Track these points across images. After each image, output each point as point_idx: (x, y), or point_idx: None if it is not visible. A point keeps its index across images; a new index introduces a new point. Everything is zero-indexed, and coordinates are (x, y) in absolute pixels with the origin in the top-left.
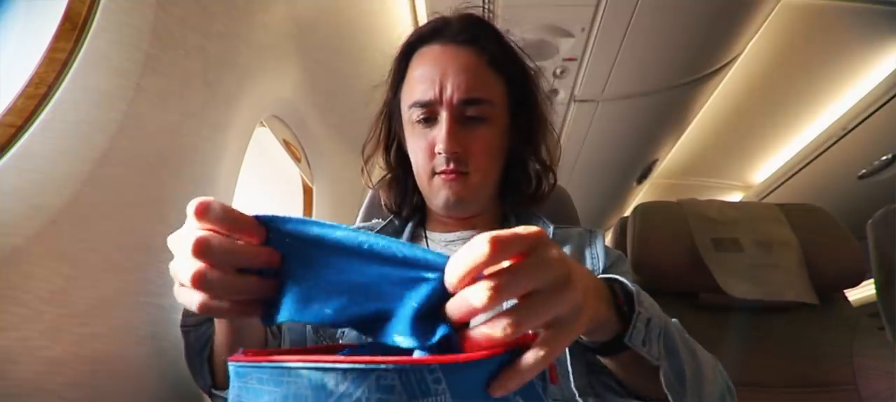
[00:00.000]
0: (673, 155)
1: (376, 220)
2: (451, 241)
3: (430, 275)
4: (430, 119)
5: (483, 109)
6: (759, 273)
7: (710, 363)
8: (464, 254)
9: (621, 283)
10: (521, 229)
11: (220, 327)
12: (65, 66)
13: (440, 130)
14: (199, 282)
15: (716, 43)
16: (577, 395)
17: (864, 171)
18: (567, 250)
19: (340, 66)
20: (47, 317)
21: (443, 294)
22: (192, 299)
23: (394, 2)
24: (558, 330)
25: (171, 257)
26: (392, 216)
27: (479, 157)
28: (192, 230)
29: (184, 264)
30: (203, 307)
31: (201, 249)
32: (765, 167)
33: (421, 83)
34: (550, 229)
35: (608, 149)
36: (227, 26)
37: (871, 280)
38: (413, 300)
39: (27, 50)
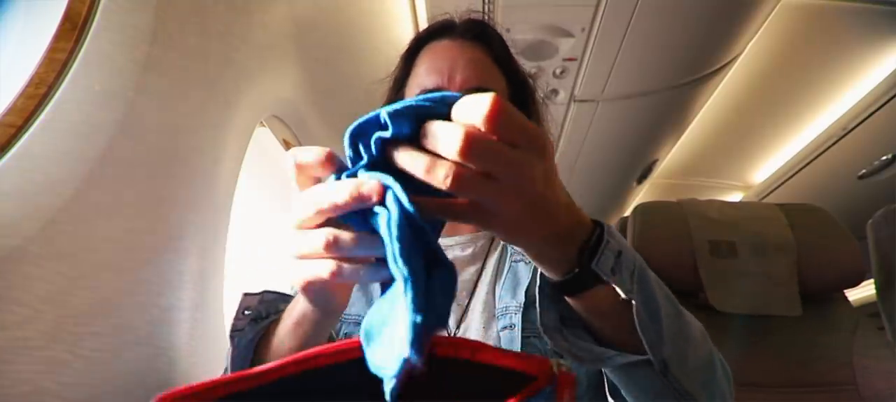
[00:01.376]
0: (673, 155)
1: None
2: (448, 246)
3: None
4: None
5: None
6: (749, 284)
7: (698, 326)
8: (467, 104)
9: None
10: (532, 127)
11: (283, 349)
12: (65, 66)
13: None
14: (331, 246)
15: (716, 43)
16: (542, 332)
17: (864, 171)
18: None
19: (340, 65)
20: (47, 317)
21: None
22: (322, 268)
23: (394, 2)
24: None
25: (169, 257)
26: None
27: None
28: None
29: (307, 236)
30: (337, 274)
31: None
32: (765, 167)
33: (429, 73)
34: None
35: (608, 149)
36: (227, 26)
37: (871, 280)
38: None
39: (27, 50)
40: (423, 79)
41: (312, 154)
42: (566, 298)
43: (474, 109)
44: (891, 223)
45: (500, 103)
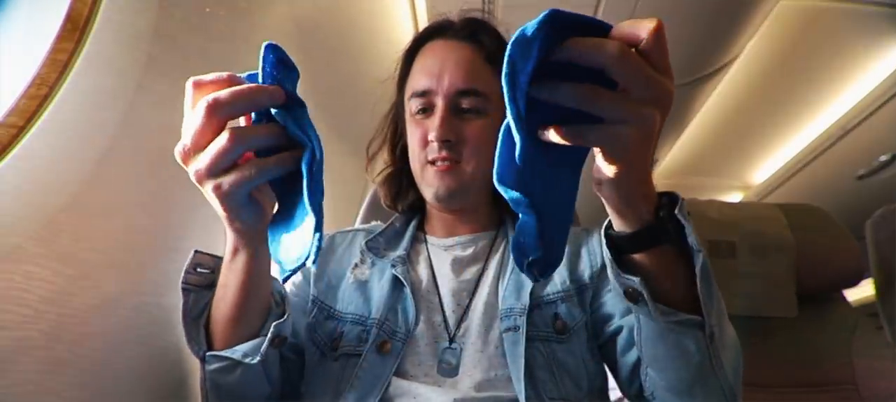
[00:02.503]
0: (673, 155)
1: (376, 223)
2: (449, 246)
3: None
4: (426, 109)
5: (478, 101)
6: (747, 286)
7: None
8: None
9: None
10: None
11: (228, 292)
12: (66, 66)
13: (434, 119)
14: (235, 139)
15: (715, 43)
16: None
17: (863, 171)
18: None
19: (341, 66)
20: (48, 317)
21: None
22: (228, 179)
23: (394, 2)
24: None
25: (170, 256)
26: (392, 220)
27: (471, 147)
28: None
29: (199, 131)
30: (239, 180)
31: (213, 108)
32: (765, 167)
33: (420, 74)
34: None
35: None
36: (228, 27)
37: (870, 280)
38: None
39: (29, 51)
40: (416, 81)
41: (212, 75)
42: (632, 255)
43: (640, 26)
44: (890, 223)
45: (661, 28)
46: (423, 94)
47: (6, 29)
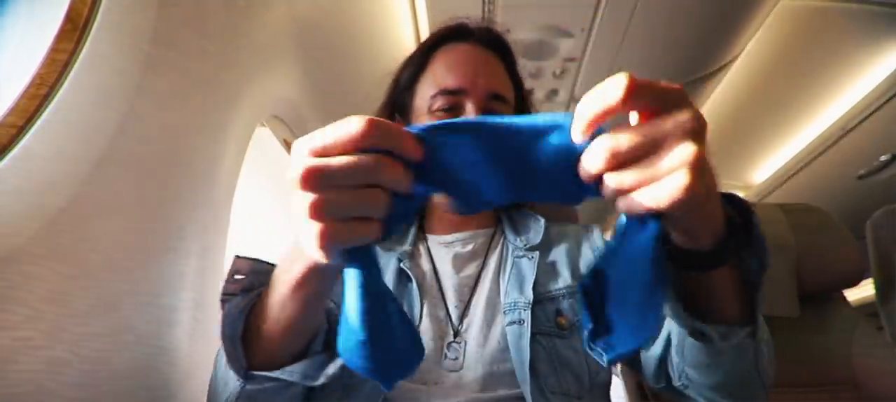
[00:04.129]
0: None
1: None
2: (449, 243)
3: (556, 133)
4: (453, 108)
5: (504, 107)
6: None
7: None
8: (595, 93)
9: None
10: (664, 82)
11: (284, 314)
12: (66, 66)
13: None
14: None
15: (715, 43)
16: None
17: (863, 171)
18: (564, 246)
19: (341, 66)
20: (47, 317)
21: (572, 150)
22: (312, 231)
23: (394, 3)
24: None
25: (170, 257)
26: None
27: None
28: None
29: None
30: (327, 236)
31: (374, 126)
32: (765, 167)
33: (450, 73)
34: (541, 224)
35: None
36: (228, 26)
37: (871, 280)
38: (544, 163)
39: (29, 51)
40: (443, 78)
41: (351, 127)
42: (692, 272)
43: (601, 97)
44: (890, 223)
45: (622, 81)
46: (453, 92)
47: (6, 29)
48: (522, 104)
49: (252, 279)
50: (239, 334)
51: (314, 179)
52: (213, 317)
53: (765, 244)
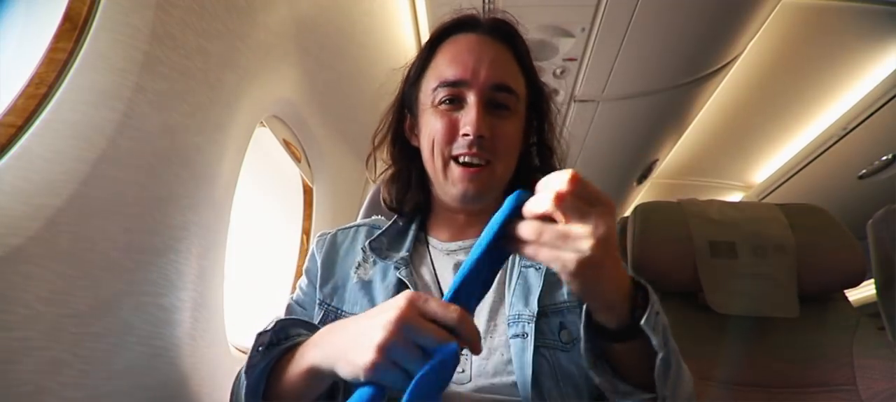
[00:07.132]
0: (673, 155)
1: (377, 216)
2: (452, 250)
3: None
4: (455, 100)
5: (511, 98)
6: (748, 285)
7: (685, 367)
8: (535, 200)
9: (637, 280)
10: (604, 197)
11: (302, 377)
12: (65, 66)
13: (468, 113)
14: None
15: (716, 43)
16: (591, 364)
17: (864, 171)
18: None
19: (341, 66)
20: (47, 317)
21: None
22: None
23: (394, 2)
24: (566, 247)
25: (171, 256)
26: (395, 217)
27: (503, 145)
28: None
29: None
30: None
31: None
32: (765, 167)
33: (452, 64)
34: None
35: (608, 149)
36: (228, 26)
37: (872, 280)
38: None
39: (28, 50)
40: (444, 70)
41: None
42: (609, 341)
43: (557, 178)
44: (891, 223)
45: (576, 175)
46: (454, 84)
47: (5, 28)
48: (538, 96)
49: (271, 337)
50: (261, 392)
51: (405, 327)
52: (213, 317)
53: (661, 321)
